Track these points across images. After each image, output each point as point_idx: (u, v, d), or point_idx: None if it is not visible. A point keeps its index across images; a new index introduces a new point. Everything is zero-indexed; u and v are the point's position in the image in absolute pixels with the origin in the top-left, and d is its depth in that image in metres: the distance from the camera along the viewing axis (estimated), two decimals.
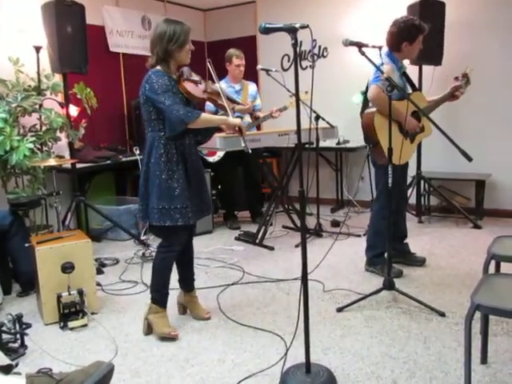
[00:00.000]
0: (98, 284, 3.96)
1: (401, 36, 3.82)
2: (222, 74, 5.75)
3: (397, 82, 3.69)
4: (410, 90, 4.03)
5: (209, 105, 5.49)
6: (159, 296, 3.22)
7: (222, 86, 5.15)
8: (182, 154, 3.06)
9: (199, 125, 2.98)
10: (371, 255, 4.12)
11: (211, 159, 5.73)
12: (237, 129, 3.10)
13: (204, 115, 2.99)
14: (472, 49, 5.77)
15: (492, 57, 5.59)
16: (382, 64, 3.68)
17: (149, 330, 3.23)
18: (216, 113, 5.39)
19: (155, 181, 3.03)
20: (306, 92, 5.28)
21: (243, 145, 3.06)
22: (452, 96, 4.03)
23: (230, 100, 3.47)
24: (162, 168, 3.01)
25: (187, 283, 3.45)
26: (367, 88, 3.84)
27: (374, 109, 3.76)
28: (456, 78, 4.02)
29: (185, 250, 3.33)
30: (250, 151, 3.10)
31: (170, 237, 3.14)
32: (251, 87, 5.82)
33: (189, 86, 3.07)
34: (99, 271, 4.37)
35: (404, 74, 4.00)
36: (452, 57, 5.61)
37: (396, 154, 3.50)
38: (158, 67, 3.02)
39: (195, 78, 3.16)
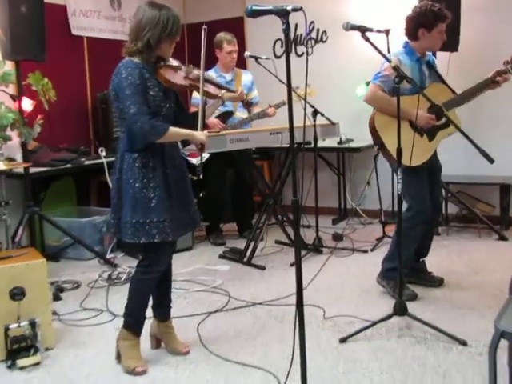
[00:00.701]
0: (55, 313, 3.91)
1: (417, 21, 3.91)
2: (209, 61, 5.74)
3: (410, 76, 3.76)
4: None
5: (195, 97, 5.49)
6: (133, 321, 3.21)
7: (211, 74, 5.16)
8: (160, 158, 3.05)
9: (164, 140, 3.01)
10: (388, 267, 4.11)
11: (195, 161, 5.70)
12: (199, 146, 3.13)
13: (171, 130, 3.00)
14: (492, 33, 5.81)
15: None
16: (383, 62, 3.77)
17: (119, 357, 3.25)
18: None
19: (128, 190, 3.01)
20: (309, 85, 5.31)
21: (198, 162, 3.11)
22: (493, 82, 3.93)
23: (217, 86, 3.50)
24: (136, 175, 3.00)
25: (162, 311, 3.40)
26: None
27: (372, 112, 3.92)
28: (506, 63, 3.90)
29: (168, 264, 3.33)
30: (201, 176, 3.17)
31: (150, 255, 3.13)
32: (245, 77, 5.81)
33: (167, 74, 3.10)
34: (56, 297, 4.31)
35: (428, 65, 4.05)
36: (469, 42, 5.65)
37: (406, 154, 3.52)
38: (132, 57, 3.03)
39: (174, 63, 3.19)
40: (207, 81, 3.38)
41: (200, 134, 3.12)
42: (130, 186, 3.01)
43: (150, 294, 3.22)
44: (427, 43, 3.96)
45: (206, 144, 3.13)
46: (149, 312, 3.37)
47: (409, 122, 3.85)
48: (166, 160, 3.08)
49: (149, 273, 3.14)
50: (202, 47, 3.30)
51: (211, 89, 3.41)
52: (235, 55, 5.67)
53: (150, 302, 3.37)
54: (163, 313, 3.41)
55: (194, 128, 3.18)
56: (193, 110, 4.98)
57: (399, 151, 3.45)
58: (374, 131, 3.95)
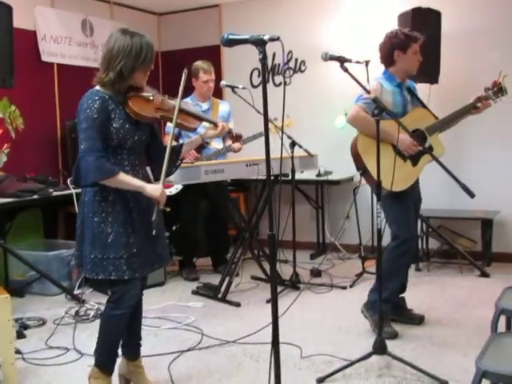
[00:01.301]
0: (18, 352, 3.85)
1: (391, 45, 4.05)
2: (187, 91, 5.78)
3: (391, 102, 3.95)
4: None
5: (170, 126, 5.50)
6: (104, 360, 3.17)
7: (190, 104, 5.12)
8: (121, 192, 3.01)
9: (110, 184, 2.96)
10: (374, 299, 4.11)
11: (167, 192, 5.68)
12: (153, 201, 3.02)
13: (120, 176, 2.93)
14: (473, 63, 5.95)
15: (497, 73, 5.75)
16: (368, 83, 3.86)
17: None
18: (178, 137, 5.42)
19: (88, 224, 3.01)
20: (288, 116, 5.37)
21: (153, 218, 2.98)
22: (474, 108, 4.05)
23: (197, 117, 3.42)
24: (96, 209, 3.00)
25: (131, 349, 3.37)
26: None
27: (355, 134, 3.96)
28: (486, 89, 4.06)
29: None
30: (154, 232, 3.00)
31: (117, 290, 3.10)
32: (222, 107, 5.84)
33: (136, 105, 3.04)
34: (20, 335, 4.24)
35: (409, 91, 4.16)
36: (450, 73, 5.78)
37: (388, 178, 3.58)
38: (102, 87, 3.01)
39: (145, 93, 3.14)
40: (185, 112, 3.30)
41: (153, 190, 3.01)
42: (89, 220, 3.01)
43: (121, 331, 3.18)
44: (404, 65, 4.07)
45: (159, 200, 3.00)
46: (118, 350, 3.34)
47: (392, 146, 3.92)
48: (128, 194, 3.03)
49: (117, 308, 3.10)
50: (180, 90, 3.19)
51: (190, 122, 3.32)
52: (212, 84, 5.71)
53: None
54: (132, 351, 3.37)
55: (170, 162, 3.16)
56: (166, 139, 5.00)
57: (379, 184, 3.49)
58: (356, 155, 4.00)
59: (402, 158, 3.96)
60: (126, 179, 2.97)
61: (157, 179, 3.31)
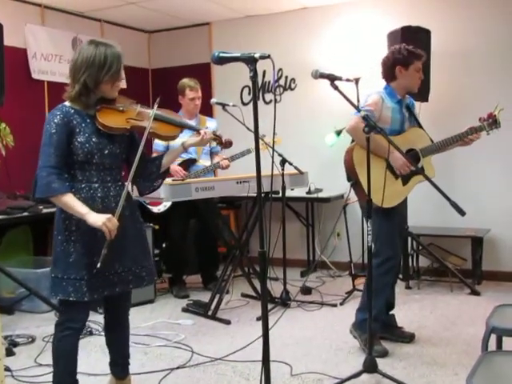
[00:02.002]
0: (8, 369, 3.83)
1: (394, 60, 4.08)
2: (170, 107, 5.79)
3: (390, 117, 4.00)
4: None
5: (157, 143, 5.51)
6: None
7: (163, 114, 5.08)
8: (91, 208, 2.88)
9: (58, 205, 2.90)
10: (361, 318, 4.10)
11: (156, 209, 5.70)
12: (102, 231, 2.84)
13: (66, 198, 2.82)
14: (463, 83, 6.01)
15: (488, 93, 5.81)
16: (369, 95, 3.92)
17: None
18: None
19: (54, 242, 2.98)
20: (276, 133, 5.37)
21: (103, 251, 2.81)
22: (463, 139, 4.08)
23: (177, 124, 3.25)
24: (60, 227, 2.95)
25: (119, 368, 3.33)
26: None
27: (354, 143, 3.95)
28: (482, 119, 4.07)
29: (115, 326, 3.26)
30: (98, 265, 2.81)
31: (64, 312, 3.04)
32: (210, 124, 5.84)
33: (105, 117, 2.96)
34: (9, 352, 4.22)
35: (407, 108, 4.19)
36: (440, 91, 5.82)
37: (378, 194, 3.60)
38: (67, 102, 2.98)
39: (117, 105, 3.05)
40: (161, 120, 3.15)
41: (96, 219, 2.81)
42: (54, 238, 2.96)
43: (74, 354, 3.06)
44: (406, 81, 4.10)
45: (105, 231, 2.80)
46: (107, 368, 3.32)
47: (386, 162, 3.93)
48: (95, 212, 2.88)
49: (66, 330, 3.01)
50: (149, 123, 3.04)
51: (166, 129, 3.16)
52: (198, 102, 5.73)
53: (106, 358, 3.32)
54: (120, 370, 3.33)
55: (151, 180, 3.13)
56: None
57: (369, 202, 3.51)
58: (350, 165, 4.00)
59: (394, 175, 3.98)
60: (70, 203, 2.83)
61: (141, 194, 3.24)
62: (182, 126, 3.28)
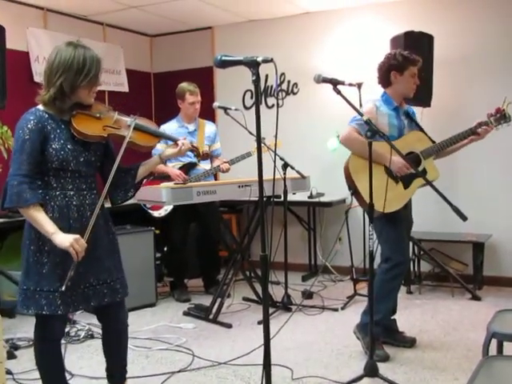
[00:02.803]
0: (9, 372, 3.84)
1: (389, 65, 4.09)
2: (172, 111, 5.82)
3: (387, 124, 4.00)
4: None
5: (157, 149, 5.51)
6: None
7: (172, 126, 5.07)
8: (63, 220, 2.81)
9: (26, 217, 2.76)
10: (367, 321, 4.10)
11: (156, 213, 5.71)
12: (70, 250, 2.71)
13: (32, 211, 2.69)
14: (465, 88, 6.02)
15: (491, 98, 5.81)
16: (361, 105, 3.91)
17: None
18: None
19: (24, 252, 2.84)
20: (275, 136, 5.38)
21: (69, 273, 2.69)
22: (474, 133, 4.03)
23: (153, 135, 3.12)
24: (32, 236, 2.81)
25: (116, 376, 3.24)
26: None
27: (348, 155, 4.00)
28: (489, 115, 4.03)
29: (110, 338, 3.17)
30: (63, 288, 2.69)
31: (41, 324, 2.94)
32: (209, 128, 5.87)
33: (81, 124, 2.85)
34: (10, 355, 4.23)
35: (407, 116, 4.20)
36: (443, 97, 5.84)
37: (379, 200, 3.61)
38: (40, 106, 2.86)
39: (93, 111, 2.93)
40: (139, 129, 3.02)
41: (62, 240, 2.68)
42: (25, 247, 2.84)
43: (56, 366, 3.04)
44: (401, 87, 4.10)
45: (72, 253, 2.68)
46: (103, 373, 3.32)
47: (384, 168, 3.95)
48: (71, 221, 2.84)
49: (44, 344, 2.98)
50: (129, 132, 2.95)
51: (143, 139, 3.03)
52: (198, 106, 5.74)
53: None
54: (117, 378, 3.23)
55: (125, 190, 3.02)
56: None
57: (371, 206, 3.52)
58: (347, 176, 4.05)
59: (394, 180, 4.00)
60: (39, 219, 2.70)
61: (114, 204, 3.09)
62: (160, 136, 3.21)
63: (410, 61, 4.07)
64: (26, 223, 2.85)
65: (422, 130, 4.24)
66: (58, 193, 2.85)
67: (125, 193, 3.07)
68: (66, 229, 2.78)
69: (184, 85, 5.73)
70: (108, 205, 3.06)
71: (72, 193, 2.87)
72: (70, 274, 2.69)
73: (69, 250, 2.67)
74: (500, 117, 4.00)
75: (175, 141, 3.20)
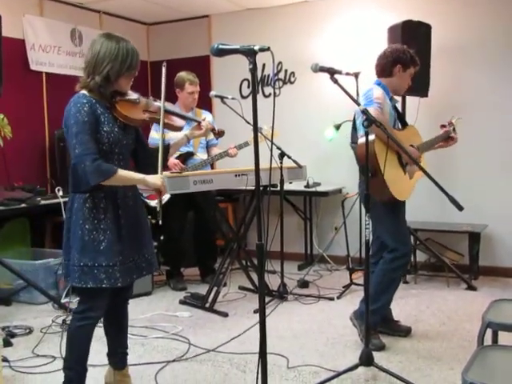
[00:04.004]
0: (5, 360, 3.84)
1: (396, 57, 4.05)
2: (169, 99, 5.79)
3: (388, 113, 3.99)
4: (399, 126, 4.24)
5: (152, 137, 5.51)
6: (73, 375, 3.11)
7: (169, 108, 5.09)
8: (112, 199, 3.02)
9: (111, 183, 2.95)
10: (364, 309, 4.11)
11: (153, 203, 5.68)
12: (154, 192, 3.10)
13: (119, 173, 2.94)
14: (463, 78, 6.01)
15: (488, 88, 5.83)
16: (370, 89, 3.93)
17: None
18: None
19: (77, 232, 2.97)
20: (271, 126, 5.38)
21: (157, 208, 3.05)
22: (446, 140, 4.23)
23: (181, 116, 3.47)
24: (86, 216, 2.96)
25: (118, 358, 3.36)
26: (354, 120, 4.08)
27: (372, 136, 3.78)
28: (442, 126, 4.25)
29: (116, 316, 3.28)
30: (161, 221, 3.05)
31: (85, 300, 3.07)
32: (205, 117, 5.85)
33: (125, 109, 3.06)
34: (7, 343, 4.23)
35: (395, 109, 4.19)
36: (440, 86, 5.83)
37: (397, 187, 3.70)
38: (86, 92, 3.00)
39: (132, 96, 3.15)
40: (170, 112, 3.33)
41: (154, 179, 3.03)
42: (79, 228, 2.96)
43: (89, 342, 3.12)
44: (397, 83, 4.10)
45: (161, 189, 3.05)
46: (104, 359, 3.34)
47: (397, 157, 3.96)
48: (118, 201, 3.04)
49: (84, 319, 3.05)
50: (162, 84, 3.23)
51: (175, 120, 3.36)
52: (196, 96, 5.73)
53: (105, 349, 3.34)
54: (118, 361, 3.36)
55: (155, 168, 3.14)
56: (153, 134, 4.98)
57: (367, 196, 3.51)
58: (371, 157, 3.73)
59: (404, 170, 4.03)
60: (126, 175, 3.00)
61: None
62: (186, 118, 3.51)
63: (414, 62, 4.09)
64: (77, 205, 2.98)
65: (405, 123, 4.27)
66: None
67: (154, 170, 3.19)
68: (114, 208, 3.03)
69: (183, 74, 5.70)
70: None
71: None
72: (159, 210, 3.06)
73: (160, 188, 3.02)
74: (453, 129, 4.31)
75: (199, 122, 3.59)
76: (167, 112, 3.28)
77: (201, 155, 5.69)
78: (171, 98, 5.71)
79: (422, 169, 3.47)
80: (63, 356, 3.90)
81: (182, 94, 5.70)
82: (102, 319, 3.27)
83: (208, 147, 5.84)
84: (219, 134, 3.99)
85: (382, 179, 3.80)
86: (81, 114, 2.90)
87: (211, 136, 5.83)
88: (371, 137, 3.93)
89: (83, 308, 3.07)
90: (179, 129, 3.44)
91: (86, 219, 2.96)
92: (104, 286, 2.95)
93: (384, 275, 4.03)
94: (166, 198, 5.63)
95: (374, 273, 4.07)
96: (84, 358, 3.12)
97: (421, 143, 4.14)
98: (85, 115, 2.90)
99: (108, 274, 2.95)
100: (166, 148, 3.34)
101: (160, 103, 3.22)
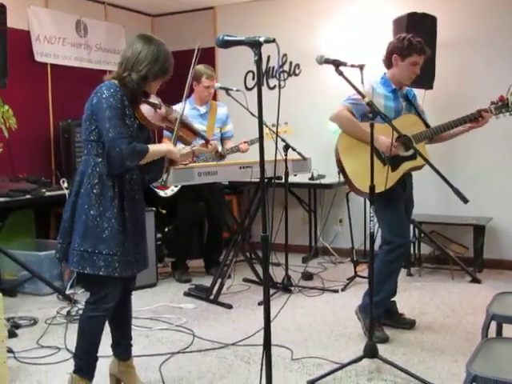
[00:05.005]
0: (10, 350, 3.85)
1: (393, 47, 4.04)
2: (173, 91, 5.78)
3: (383, 105, 3.95)
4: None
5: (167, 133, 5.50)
6: (84, 364, 3.14)
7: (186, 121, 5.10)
8: (119, 189, 3.04)
9: (145, 160, 3.06)
10: (368, 302, 4.11)
11: (162, 193, 5.68)
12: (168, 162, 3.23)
13: (151, 149, 3.05)
14: (468, 71, 5.99)
15: (494, 80, 5.79)
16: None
17: None
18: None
19: (81, 216, 3.00)
20: (286, 123, 5.37)
21: (166, 195, 3.16)
22: (472, 120, 3.96)
23: (194, 132, 3.48)
24: (93, 202, 2.99)
25: (122, 349, 3.36)
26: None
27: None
28: (492, 103, 3.96)
29: (120, 307, 3.28)
30: (167, 193, 3.16)
31: (96, 290, 3.09)
32: (220, 110, 5.84)
33: (146, 111, 3.12)
34: (12, 334, 4.24)
35: (406, 99, 4.15)
36: (445, 79, 5.81)
37: (365, 180, 3.58)
38: (115, 81, 3.03)
39: (155, 100, 3.21)
40: (185, 125, 3.37)
41: (177, 151, 3.20)
42: (83, 212, 2.99)
43: (100, 333, 3.14)
44: (398, 73, 4.04)
45: (176, 160, 3.21)
46: (109, 350, 3.35)
47: (371, 148, 3.90)
48: (125, 192, 3.07)
49: (96, 310, 3.08)
50: (191, 69, 3.40)
51: (188, 135, 3.38)
52: (212, 90, 5.71)
53: (109, 341, 3.35)
54: (123, 352, 3.36)
55: (155, 171, 3.26)
56: (165, 141, 4.97)
57: (372, 188, 3.51)
58: (336, 153, 4.07)
59: (382, 162, 3.96)
60: (155, 149, 3.11)
61: (145, 184, 3.34)
62: (198, 135, 3.52)
63: (416, 49, 3.95)
64: (85, 190, 3.01)
65: (418, 114, 4.19)
66: None
67: (159, 174, 3.31)
68: (120, 198, 3.05)
69: (202, 68, 5.63)
70: None
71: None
72: (166, 178, 3.24)
73: (176, 159, 3.21)
74: (502, 105, 3.92)
75: (207, 141, 3.58)
76: (185, 125, 3.35)
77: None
78: (175, 90, 5.72)
79: (425, 159, 3.45)
80: (67, 347, 3.97)
81: (198, 87, 5.68)
82: None
83: (222, 139, 5.83)
84: (220, 156, 4.22)
85: (347, 176, 3.93)
86: (114, 99, 2.95)
87: (227, 128, 5.84)
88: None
89: (95, 299, 3.09)
90: (189, 144, 3.46)
91: (91, 205, 2.99)
92: (101, 273, 2.97)
93: (382, 267, 4.03)
94: (174, 189, 5.60)
95: (374, 264, 4.06)
96: (94, 347, 3.15)
97: (421, 132, 4.01)
98: (118, 101, 2.96)
99: (107, 263, 2.97)
100: None
101: (177, 115, 3.28)
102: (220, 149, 3.95)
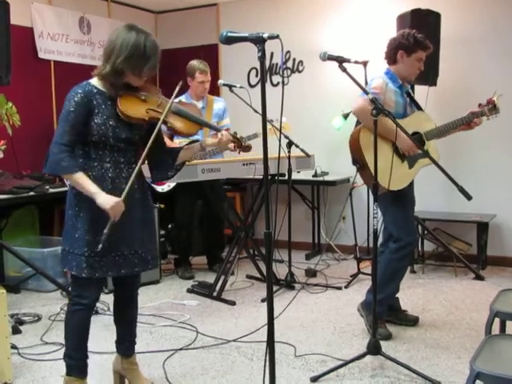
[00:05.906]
0: (14, 347, 3.87)
1: (398, 43, 4.02)
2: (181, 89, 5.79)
3: (394, 101, 3.94)
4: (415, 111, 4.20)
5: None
6: (74, 363, 3.13)
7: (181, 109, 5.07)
8: (101, 187, 2.92)
9: (70, 182, 2.97)
10: (371, 299, 4.10)
11: (159, 189, 5.70)
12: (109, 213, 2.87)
13: (77, 176, 2.86)
14: (472, 67, 5.97)
15: (497, 78, 5.78)
16: (372, 79, 3.89)
17: None
18: (172, 136, 5.40)
19: (66, 216, 3.07)
20: (283, 118, 5.35)
21: (104, 230, 2.81)
22: (466, 123, 4.04)
23: (196, 122, 3.21)
24: (71, 201, 3.02)
25: (125, 346, 3.36)
26: None
27: (360, 125, 3.90)
28: (480, 105, 4.04)
29: (124, 305, 3.29)
30: (100, 246, 2.81)
31: (75, 286, 3.11)
32: (217, 104, 5.82)
33: (125, 104, 2.97)
34: (15, 330, 4.26)
35: (408, 95, 4.15)
36: (449, 75, 5.80)
37: (385, 176, 3.60)
38: (93, 80, 2.99)
39: (140, 93, 3.05)
40: (181, 115, 3.14)
41: (105, 200, 2.85)
42: (66, 212, 3.05)
43: (86, 329, 3.12)
44: (404, 69, 4.03)
45: (110, 214, 2.84)
46: (113, 347, 3.36)
47: (392, 145, 3.91)
48: (111, 191, 2.94)
49: (75, 305, 3.08)
50: (172, 98, 3.07)
51: (183, 125, 3.14)
52: (207, 85, 5.69)
53: (113, 338, 3.36)
54: (126, 348, 3.36)
55: (164, 169, 3.17)
56: (171, 143, 4.91)
57: (376, 184, 3.51)
58: (356, 148, 3.93)
59: (400, 159, 3.97)
60: (81, 182, 2.87)
61: (153, 182, 3.29)
62: (201, 124, 3.28)
63: (421, 45, 3.98)
64: (68, 189, 3.05)
65: (420, 108, 4.20)
66: (95, 164, 2.99)
67: (164, 172, 3.23)
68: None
69: (195, 63, 5.65)
70: None
71: (109, 165, 3.01)
72: (106, 233, 2.81)
73: (108, 212, 2.84)
74: (491, 108, 3.99)
75: (217, 131, 3.31)
76: (177, 114, 3.13)
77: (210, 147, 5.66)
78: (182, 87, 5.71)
79: (430, 158, 3.46)
80: None
81: (192, 82, 5.67)
82: (111, 308, 3.28)
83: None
84: (244, 149, 3.37)
85: (370, 171, 3.79)
86: (70, 103, 2.92)
87: (223, 122, 5.82)
88: (359, 126, 3.98)
89: (73, 294, 3.13)
90: (188, 135, 3.35)
91: (70, 205, 3.02)
92: (72, 272, 3.01)
93: (389, 265, 4.03)
94: (171, 185, 5.60)
95: (380, 262, 4.05)
96: (82, 345, 3.13)
97: (431, 129, 4.04)
98: (73, 105, 2.90)
99: (77, 263, 2.98)
100: (176, 152, 3.21)
101: (175, 105, 3.12)
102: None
